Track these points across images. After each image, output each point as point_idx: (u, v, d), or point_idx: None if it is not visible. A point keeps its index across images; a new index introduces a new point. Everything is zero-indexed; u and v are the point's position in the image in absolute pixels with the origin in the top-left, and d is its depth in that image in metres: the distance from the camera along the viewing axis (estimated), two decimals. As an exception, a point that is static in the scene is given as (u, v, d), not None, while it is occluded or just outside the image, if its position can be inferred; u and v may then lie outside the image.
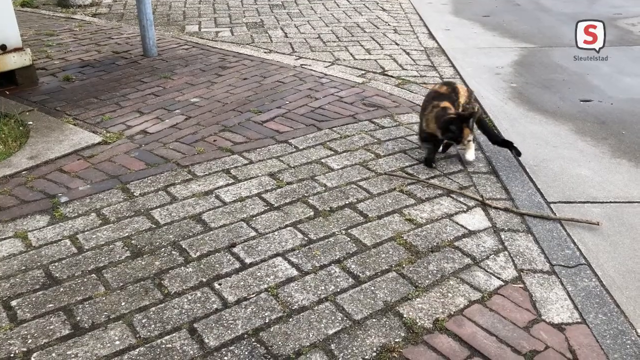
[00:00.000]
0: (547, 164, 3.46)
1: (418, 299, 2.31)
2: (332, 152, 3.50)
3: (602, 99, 4.49)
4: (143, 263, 2.50)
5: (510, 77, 4.99)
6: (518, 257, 2.60)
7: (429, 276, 2.45)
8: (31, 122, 3.86)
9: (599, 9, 7.43)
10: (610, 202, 3.07)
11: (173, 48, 5.61)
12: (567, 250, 2.66)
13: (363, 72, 5.02)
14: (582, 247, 2.70)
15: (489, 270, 2.50)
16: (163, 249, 2.59)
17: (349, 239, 2.68)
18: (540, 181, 3.27)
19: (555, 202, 3.07)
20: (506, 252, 2.63)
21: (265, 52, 5.51)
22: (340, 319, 2.20)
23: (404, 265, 2.51)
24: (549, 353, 2.07)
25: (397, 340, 2.11)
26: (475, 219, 2.88)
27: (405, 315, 2.23)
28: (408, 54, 5.56)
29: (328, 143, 3.62)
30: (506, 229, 2.81)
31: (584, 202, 3.07)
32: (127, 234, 2.70)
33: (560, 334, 2.16)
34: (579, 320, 2.23)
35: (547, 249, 2.67)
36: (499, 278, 2.45)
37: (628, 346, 2.11)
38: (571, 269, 2.53)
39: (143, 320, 2.18)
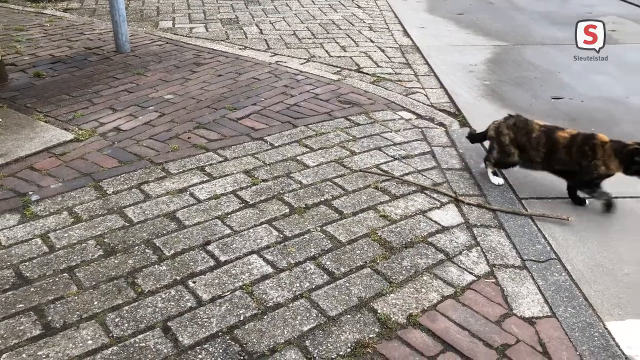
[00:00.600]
0: (519, 161, 3.51)
1: (392, 295, 2.34)
2: (308, 150, 3.50)
3: (573, 97, 4.57)
4: (116, 262, 2.48)
5: (484, 74, 5.05)
6: (490, 252, 2.64)
7: (403, 272, 2.47)
8: (0, 119, 3.78)
9: (570, 7, 7.55)
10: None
11: (146, 44, 5.54)
12: (538, 245, 2.71)
13: (338, 69, 5.03)
14: (552, 242, 2.75)
15: (461, 265, 2.53)
16: (136, 247, 2.57)
17: (324, 235, 2.69)
18: (512, 177, 3.32)
19: (526, 198, 3.12)
20: (479, 248, 2.67)
21: (240, 49, 5.48)
22: (315, 315, 2.21)
23: (378, 261, 2.53)
24: (520, 346, 2.11)
25: (371, 335, 2.13)
26: (449, 215, 2.91)
27: (379, 311, 2.25)
28: (383, 51, 5.58)
29: (303, 140, 3.62)
30: (479, 224, 2.85)
31: (555, 198, 3.13)
32: (99, 233, 2.67)
33: (531, 327, 2.20)
34: (549, 314, 2.28)
35: (519, 244, 2.71)
36: (471, 273, 2.49)
37: (596, 338, 2.16)
38: (542, 264, 2.58)
39: (116, 319, 2.16)
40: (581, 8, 7.41)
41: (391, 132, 3.81)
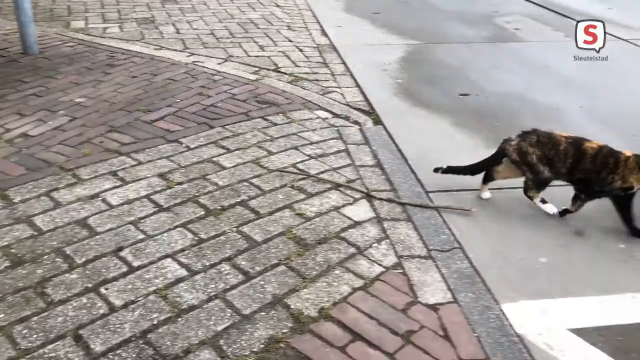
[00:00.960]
0: (428, 156, 3.67)
1: (305, 290, 2.42)
2: (225, 151, 3.53)
3: (479, 93, 4.82)
4: (24, 272, 2.42)
5: (397, 73, 5.23)
6: (399, 244, 2.77)
7: (316, 267, 2.56)
8: None
9: (479, 6, 7.88)
10: (483, 189, 3.34)
11: (57, 45, 5.35)
12: (443, 236, 2.87)
13: (256, 69, 5.06)
14: (456, 232, 2.92)
15: (371, 258, 2.65)
16: (46, 257, 2.52)
17: (239, 236, 2.74)
18: (421, 172, 3.48)
19: (433, 191, 3.29)
20: (388, 240, 2.79)
21: (155, 49, 5.39)
22: (229, 315, 2.26)
23: (292, 259, 2.61)
24: (424, 332, 2.24)
25: (284, 331, 2.20)
26: (361, 211, 3.03)
27: (292, 307, 2.32)
28: (301, 50, 5.67)
29: (220, 141, 3.64)
30: (389, 218, 2.98)
31: (459, 190, 3.31)
32: (6, 243, 2.59)
33: (434, 313, 2.35)
34: (451, 300, 2.43)
35: (425, 235, 2.87)
36: (380, 265, 2.61)
37: (492, 320, 2.33)
38: (446, 253, 2.74)
39: (24, 331, 2.12)
40: (489, 7, 7.77)
41: (308, 131, 3.90)
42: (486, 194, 3.25)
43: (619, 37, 6.41)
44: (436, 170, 3.30)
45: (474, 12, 7.57)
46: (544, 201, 3.11)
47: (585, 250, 2.83)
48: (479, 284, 2.55)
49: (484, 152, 3.76)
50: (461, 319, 2.33)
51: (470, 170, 3.25)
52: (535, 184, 3.07)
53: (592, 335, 2.28)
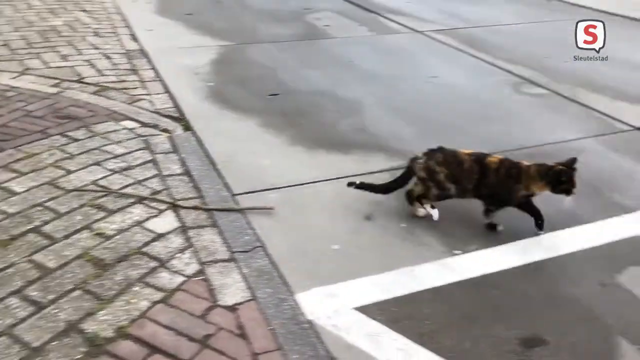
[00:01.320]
0: (236, 159, 3.80)
1: (102, 312, 2.40)
2: (16, 174, 3.33)
3: (288, 92, 5.04)
4: None
5: (209, 76, 5.27)
6: (202, 251, 2.84)
7: (115, 287, 2.55)
8: None
9: (292, 4, 8.16)
10: (285, 186, 3.51)
11: None
12: (246, 237, 3.00)
13: (57, 81, 4.80)
14: (259, 231, 3.06)
15: (173, 269, 2.69)
16: None
17: (30, 265, 2.63)
18: (228, 176, 3.58)
19: (240, 194, 3.40)
20: (192, 249, 2.85)
21: None
22: (17, 350, 2.18)
23: (89, 281, 2.56)
24: (221, 334, 2.34)
25: (78, 356, 2.18)
26: (166, 222, 3.05)
27: (88, 330, 2.30)
28: (108, 58, 5.47)
29: (11, 165, 3.42)
30: (194, 226, 3.04)
31: (264, 190, 3.46)
32: None
33: (232, 314, 2.45)
34: (250, 298, 2.56)
35: (230, 238, 2.97)
36: (182, 275, 2.66)
37: (286, 311, 2.51)
38: (248, 253, 2.86)
39: None
40: (301, 4, 8.08)
41: (112, 144, 3.81)
42: (422, 211, 3.23)
43: (415, 30, 7.07)
44: (350, 184, 3.31)
45: (286, 10, 7.83)
46: (433, 206, 3.22)
47: (373, 233, 3.13)
48: (276, 278, 2.71)
49: (289, 150, 4.02)
50: (258, 315, 2.47)
51: (383, 189, 3.29)
52: (437, 198, 3.17)
53: (373, 310, 2.55)
